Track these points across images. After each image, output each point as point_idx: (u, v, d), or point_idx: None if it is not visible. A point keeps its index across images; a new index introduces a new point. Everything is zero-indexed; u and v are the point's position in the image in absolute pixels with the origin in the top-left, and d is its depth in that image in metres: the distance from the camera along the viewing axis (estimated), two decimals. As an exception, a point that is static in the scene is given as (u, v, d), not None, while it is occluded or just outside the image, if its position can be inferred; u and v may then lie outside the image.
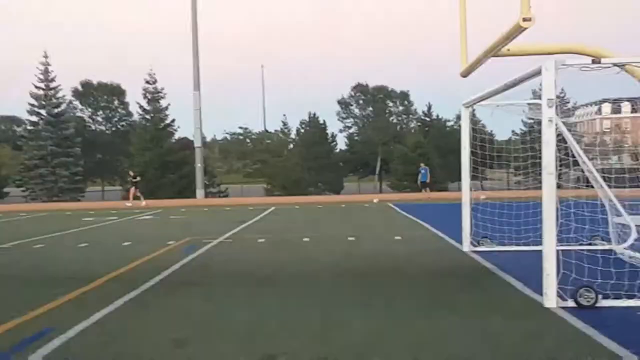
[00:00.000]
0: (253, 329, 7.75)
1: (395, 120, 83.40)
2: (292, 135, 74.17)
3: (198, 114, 44.94)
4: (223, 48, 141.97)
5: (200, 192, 44.68)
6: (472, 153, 14.47)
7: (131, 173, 39.19)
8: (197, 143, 45.55)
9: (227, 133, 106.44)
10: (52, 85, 59.09)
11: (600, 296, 8.36)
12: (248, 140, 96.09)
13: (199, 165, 45.07)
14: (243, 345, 7.09)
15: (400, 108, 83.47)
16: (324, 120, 71.11)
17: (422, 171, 38.85)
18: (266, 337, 7.40)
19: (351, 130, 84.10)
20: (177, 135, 60.53)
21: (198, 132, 45.59)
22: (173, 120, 58.16)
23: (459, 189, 14.81)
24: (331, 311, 8.57)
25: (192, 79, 45.04)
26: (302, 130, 71.16)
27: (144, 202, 37.45)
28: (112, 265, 13.10)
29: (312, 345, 6.99)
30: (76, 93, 79.46)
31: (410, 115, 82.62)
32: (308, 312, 8.51)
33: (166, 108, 58.02)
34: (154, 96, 58.07)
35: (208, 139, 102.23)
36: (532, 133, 14.17)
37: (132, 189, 38.70)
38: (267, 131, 78.82)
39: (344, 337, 7.27)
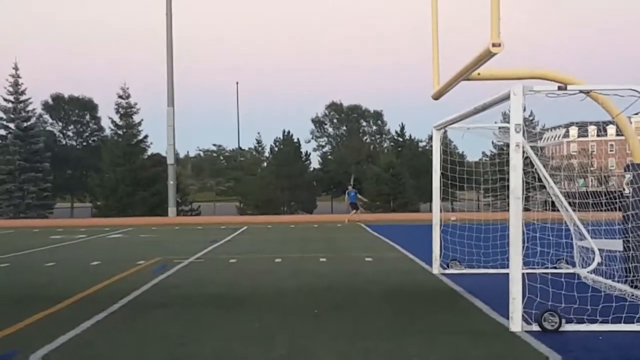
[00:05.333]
0: (222, 354, 7.68)
1: (368, 140, 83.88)
2: (266, 154, 74.16)
3: (171, 131, 44.46)
4: (198, 64, 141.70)
5: (172, 210, 44.10)
6: (443, 175, 14.60)
7: None
8: (170, 160, 45.03)
9: (200, 150, 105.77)
10: (22, 98, 58.07)
11: (563, 320, 8.46)
12: (221, 158, 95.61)
13: (171, 182, 44.54)
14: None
15: (374, 128, 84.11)
16: (298, 139, 71.25)
17: (351, 193, 38.32)
18: (233, 360, 7.33)
19: (325, 149, 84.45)
20: (149, 152, 59.81)
21: (171, 149, 45.12)
22: (146, 136, 57.50)
23: (431, 210, 14.88)
24: (299, 336, 8.52)
25: (166, 95, 44.75)
26: (276, 149, 71.11)
27: None
28: (80, 285, 12.94)
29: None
30: (46, 106, 78.70)
31: (384, 135, 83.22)
32: (276, 337, 8.44)
33: (139, 123, 57.36)
34: (126, 111, 57.37)
35: (181, 156, 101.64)
36: (501, 155, 14.37)
37: None
38: (241, 149, 78.68)
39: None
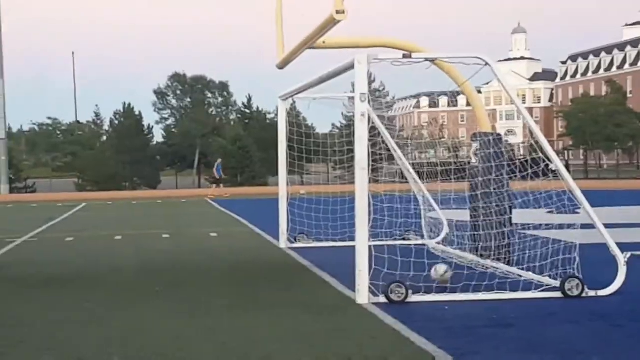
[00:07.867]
0: (52, 336, 7.05)
1: (214, 112, 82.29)
2: (106, 127, 71.13)
3: (2, 102, 42.44)
4: (31, 32, 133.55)
5: (4, 188, 43.09)
6: (291, 147, 14.34)
7: None
8: (1, 134, 43.53)
9: (34, 124, 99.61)
10: None
11: (410, 291, 8.36)
12: (58, 132, 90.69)
13: (2, 158, 43.13)
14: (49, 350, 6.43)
15: (220, 99, 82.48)
16: (140, 111, 68.70)
17: (219, 166, 36.93)
18: (64, 343, 6.78)
19: (168, 122, 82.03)
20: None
21: (2, 122, 43.78)
22: (-27, 109, 53.37)
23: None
24: (137, 315, 8.03)
25: (-5, 65, 42.07)
26: (116, 122, 68.27)
27: None
28: None
29: (112, 351, 6.36)
30: None
31: (230, 107, 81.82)
32: (112, 317, 7.91)
33: (-35, 95, 53.09)
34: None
35: (14, 130, 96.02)
36: (351, 127, 14.27)
37: None
38: (78, 122, 74.89)
39: (149, 342, 6.72)
